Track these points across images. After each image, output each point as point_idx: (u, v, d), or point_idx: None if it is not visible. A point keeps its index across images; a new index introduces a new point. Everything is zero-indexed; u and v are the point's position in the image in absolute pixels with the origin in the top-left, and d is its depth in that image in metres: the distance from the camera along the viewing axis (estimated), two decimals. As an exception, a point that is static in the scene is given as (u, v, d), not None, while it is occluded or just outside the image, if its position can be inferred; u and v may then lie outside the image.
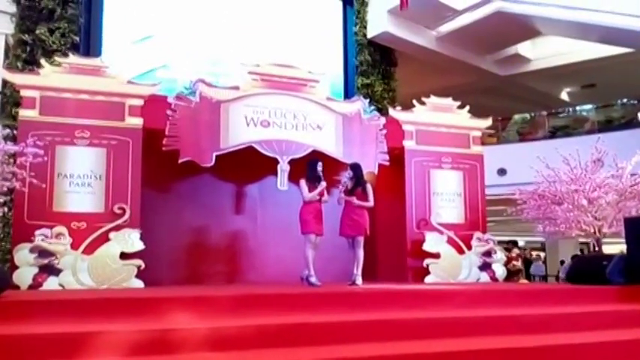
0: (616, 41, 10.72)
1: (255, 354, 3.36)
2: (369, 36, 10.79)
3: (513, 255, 10.69)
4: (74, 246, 5.61)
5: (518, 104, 14.87)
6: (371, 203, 6.07)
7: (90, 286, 5.55)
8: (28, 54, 8.12)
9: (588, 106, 14.05)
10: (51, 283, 5.44)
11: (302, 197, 5.93)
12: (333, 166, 6.82)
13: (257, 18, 9.88)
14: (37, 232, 5.49)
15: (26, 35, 8.17)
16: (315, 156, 6.45)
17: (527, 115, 14.57)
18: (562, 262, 13.97)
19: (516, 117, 14.55)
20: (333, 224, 6.05)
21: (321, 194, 5.95)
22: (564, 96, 15.19)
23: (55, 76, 5.99)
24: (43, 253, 5.46)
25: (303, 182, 5.96)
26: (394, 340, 3.85)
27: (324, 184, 5.95)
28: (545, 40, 12.48)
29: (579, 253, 15.36)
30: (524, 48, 12.75)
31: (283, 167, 6.60)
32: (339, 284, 5.92)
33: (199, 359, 3.28)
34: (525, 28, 11.13)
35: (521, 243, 21.30)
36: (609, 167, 7.23)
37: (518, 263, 10.53)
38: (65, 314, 3.71)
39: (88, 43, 8.63)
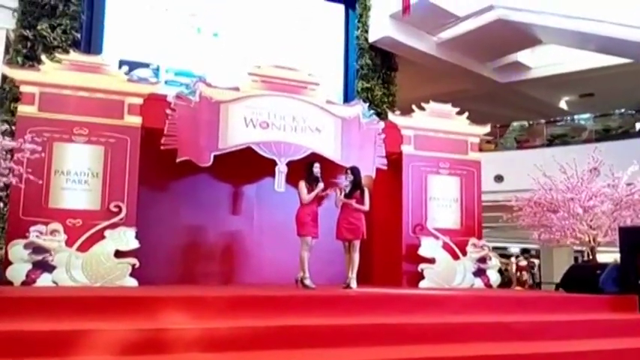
0: (615, 51, 10.76)
1: (248, 356, 3.37)
2: (370, 40, 10.80)
3: (523, 264, 10.52)
4: (69, 243, 5.61)
5: (517, 112, 14.91)
6: (367, 207, 6.08)
7: (83, 283, 5.55)
8: (28, 50, 8.12)
9: (586, 116, 14.10)
10: (44, 280, 5.44)
11: (300, 199, 5.94)
12: (331, 169, 6.83)
13: (259, 20, 9.90)
14: (32, 229, 5.48)
15: (27, 31, 8.17)
16: (315, 158, 6.45)
17: (526, 123, 14.61)
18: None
19: (514, 124, 14.60)
20: (328, 227, 6.06)
21: (320, 196, 5.95)
22: (563, 105, 15.24)
23: (55, 72, 5.99)
24: (37, 249, 5.45)
25: (302, 184, 5.97)
26: (387, 344, 3.86)
27: (321, 185, 5.94)
28: (545, 49, 12.53)
29: (575, 261, 15.31)
30: (524, 56, 12.79)
31: (281, 169, 6.59)
32: (333, 287, 5.93)
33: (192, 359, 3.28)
34: (525, 37, 11.17)
35: (515, 250, 21.21)
36: (605, 177, 7.25)
37: (526, 274, 10.30)
38: (58, 312, 3.71)
39: (90, 40, 8.65)
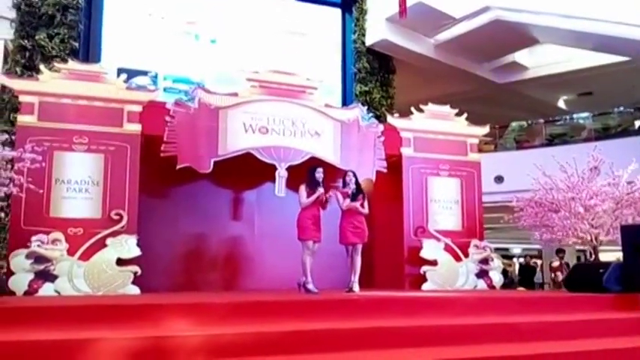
0: (612, 49, 10.78)
1: (252, 361, 3.36)
2: (367, 43, 10.81)
3: (556, 265, 10.31)
4: (70, 252, 5.60)
5: (516, 112, 14.92)
6: (367, 210, 6.10)
7: (86, 292, 5.54)
8: (27, 59, 8.13)
9: (585, 114, 14.10)
10: (47, 290, 5.43)
11: (299, 203, 5.94)
12: (330, 172, 6.82)
13: (256, 26, 9.92)
14: (34, 238, 5.48)
15: (26, 41, 8.18)
16: (315, 162, 6.45)
17: (525, 123, 14.61)
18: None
19: (513, 125, 14.60)
20: (330, 231, 6.04)
21: (320, 201, 5.93)
22: (561, 104, 15.24)
23: (54, 81, 6.01)
24: (39, 259, 5.45)
25: (302, 188, 5.96)
26: (391, 347, 3.85)
27: (321, 190, 5.92)
28: (542, 49, 12.53)
29: (577, 261, 15.18)
30: (521, 56, 12.79)
31: (281, 174, 6.60)
32: (336, 291, 5.91)
33: (195, 366, 3.27)
34: (522, 37, 11.19)
35: (517, 250, 21.12)
36: (606, 175, 7.24)
37: (561, 275, 9.99)
38: (61, 321, 3.69)
39: (88, 49, 8.65)
